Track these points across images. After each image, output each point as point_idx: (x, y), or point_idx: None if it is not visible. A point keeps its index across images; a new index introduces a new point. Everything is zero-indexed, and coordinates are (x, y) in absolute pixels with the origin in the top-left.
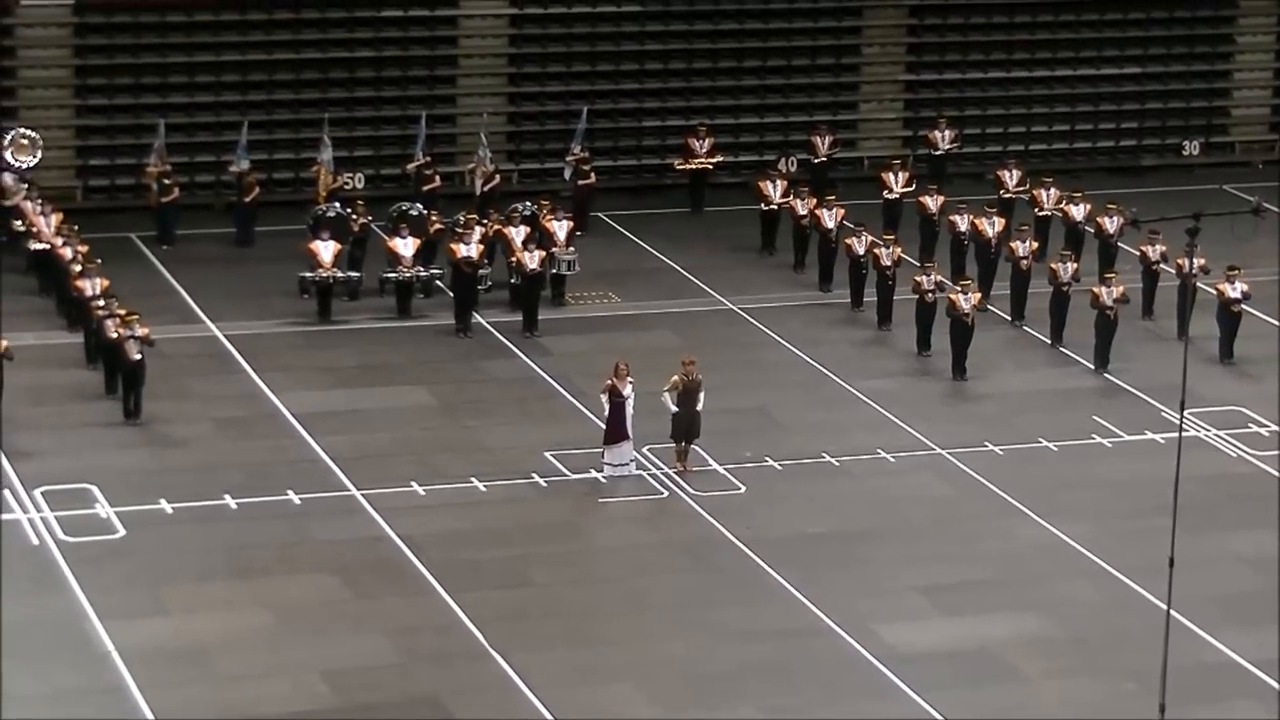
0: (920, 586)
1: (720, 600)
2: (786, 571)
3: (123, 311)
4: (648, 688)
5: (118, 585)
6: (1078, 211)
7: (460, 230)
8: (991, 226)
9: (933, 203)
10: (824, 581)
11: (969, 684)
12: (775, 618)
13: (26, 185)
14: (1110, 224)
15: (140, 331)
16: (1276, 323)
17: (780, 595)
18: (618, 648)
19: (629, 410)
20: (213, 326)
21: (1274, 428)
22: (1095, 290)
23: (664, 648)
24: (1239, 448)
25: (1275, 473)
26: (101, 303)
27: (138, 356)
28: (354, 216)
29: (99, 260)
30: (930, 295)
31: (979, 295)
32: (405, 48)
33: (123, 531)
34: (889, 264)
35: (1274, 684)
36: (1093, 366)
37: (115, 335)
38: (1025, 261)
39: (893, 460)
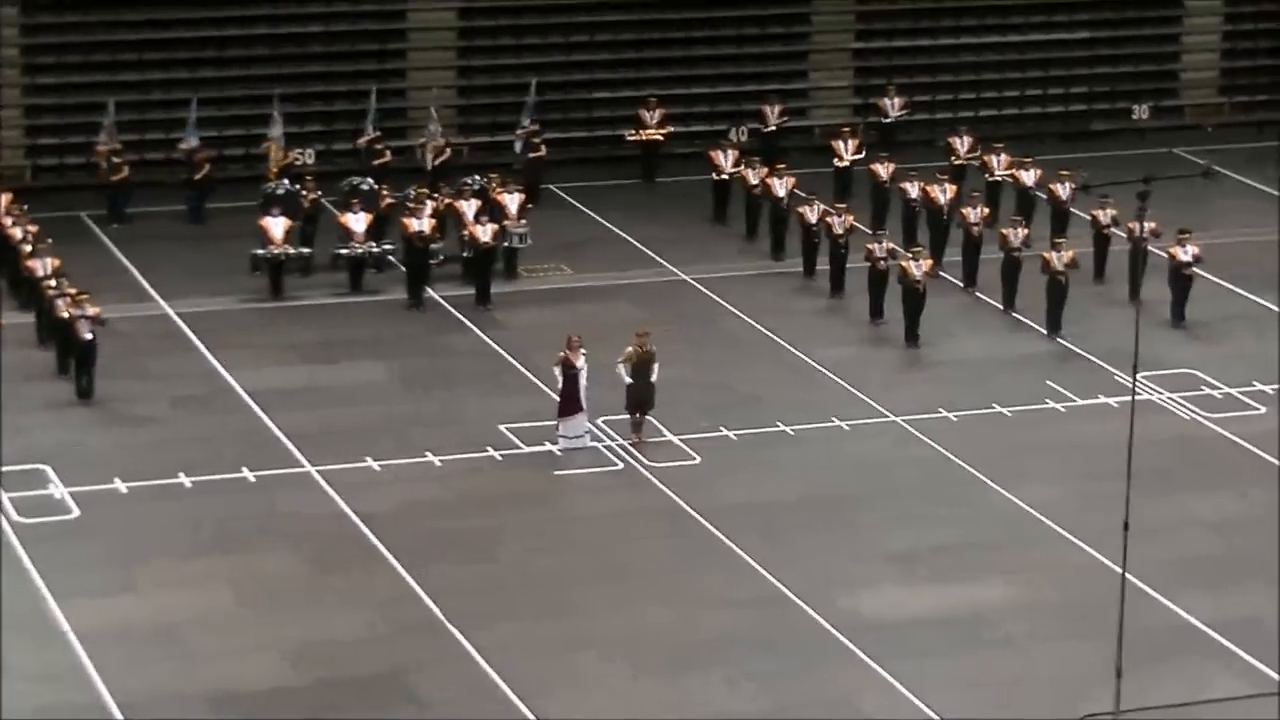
0: (881, 553)
1: (684, 570)
2: (746, 541)
3: (73, 291)
4: (617, 658)
5: (75, 566)
6: (1028, 177)
7: (412, 205)
8: (943, 193)
9: (884, 170)
10: (786, 551)
11: (938, 650)
12: (736, 587)
13: None
14: (1061, 189)
15: (91, 311)
16: (1227, 285)
17: (739, 565)
18: (583, 618)
19: (583, 382)
20: (165, 305)
21: (1226, 389)
22: (1046, 256)
23: (632, 618)
24: (1192, 410)
25: (1231, 435)
26: (53, 283)
27: (89, 336)
28: (304, 193)
29: (50, 240)
30: (882, 263)
31: (931, 262)
32: (355, 22)
33: (78, 512)
34: (841, 232)
35: (1232, 646)
36: (1045, 332)
37: (66, 315)
38: (976, 228)
39: (848, 428)
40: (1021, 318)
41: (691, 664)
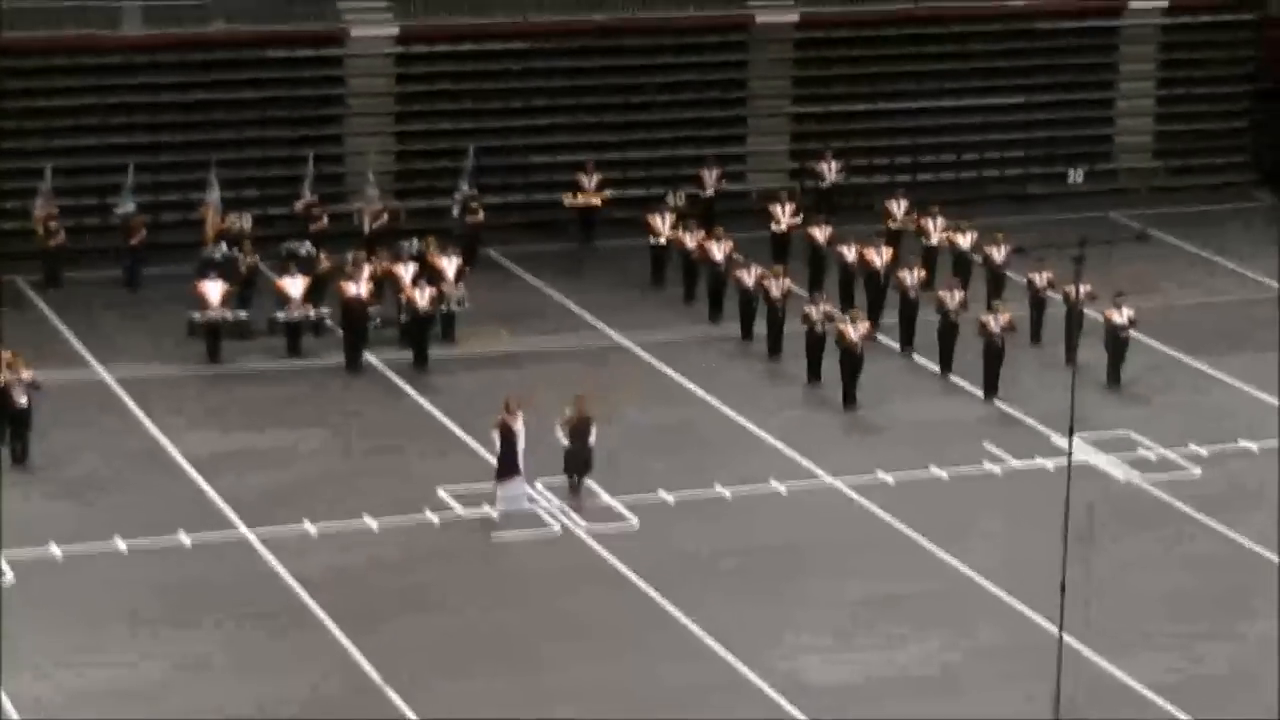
0: (818, 614)
1: (619, 631)
2: (682, 603)
3: (9, 356)
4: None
5: (8, 633)
6: (964, 240)
7: (349, 269)
8: (879, 257)
9: (821, 234)
10: (723, 612)
11: (877, 711)
12: (672, 649)
13: None
14: (997, 252)
15: (26, 376)
16: (1163, 347)
17: (675, 627)
18: (523, 676)
19: (520, 446)
20: (101, 370)
21: (1161, 451)
22: (983, 319)
23: (575, 678)
24: (1128, 471)
25: (1166, 496)
26: None
27: (24, 401)
28: (242, 257)
29: None
30: (819, 326)
31: (868, 325)
32: (292, 87)
33: (12, 578)
34: (778, 296)
35: (1165, 704)
36: (982, 394)
37: (1, 380)
38: (913, 291)
39: (785, 491)
40: (959, 380)
41: None
